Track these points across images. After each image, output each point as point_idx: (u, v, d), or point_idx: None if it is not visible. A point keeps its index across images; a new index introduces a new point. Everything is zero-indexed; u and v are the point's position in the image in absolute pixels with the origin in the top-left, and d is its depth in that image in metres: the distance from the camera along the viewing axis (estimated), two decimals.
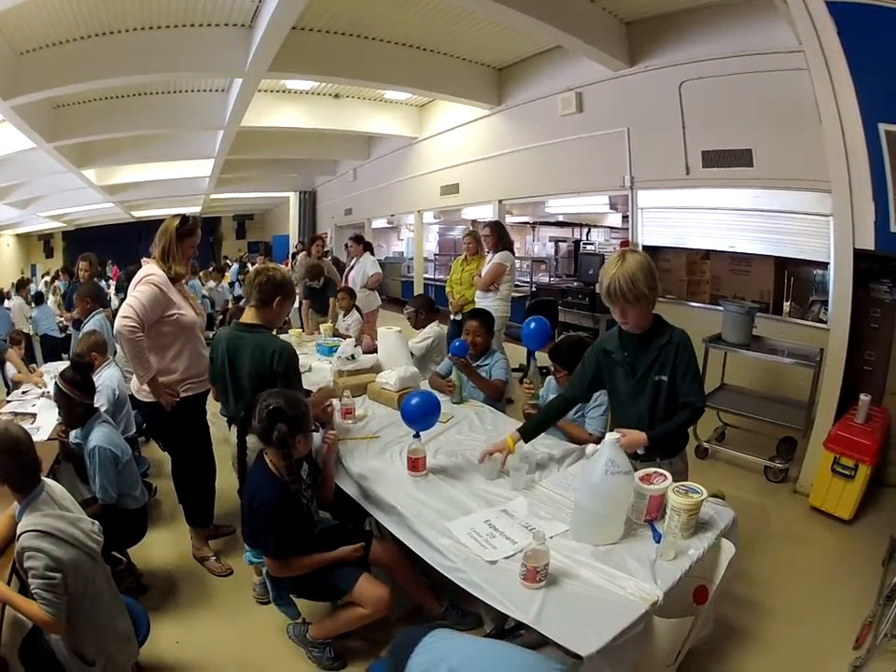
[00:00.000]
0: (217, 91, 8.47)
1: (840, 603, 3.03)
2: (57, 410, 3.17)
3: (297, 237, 16.37)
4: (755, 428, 4.80)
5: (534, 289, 9.80)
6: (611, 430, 2.64)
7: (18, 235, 20.96)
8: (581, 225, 11.41)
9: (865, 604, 2.90)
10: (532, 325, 3.55)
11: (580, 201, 8.97)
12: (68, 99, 7.75)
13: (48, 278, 17.15)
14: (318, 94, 9.39)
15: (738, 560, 2.12)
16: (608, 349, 2.56)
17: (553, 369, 3.33)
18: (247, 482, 2.54)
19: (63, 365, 4.37)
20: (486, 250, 5.93)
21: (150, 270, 3.11)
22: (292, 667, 2.66)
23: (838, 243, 4.05)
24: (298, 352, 4.06)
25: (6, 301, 9.55)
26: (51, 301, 9.85)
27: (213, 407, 3.38)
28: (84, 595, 1.98)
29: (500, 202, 8.99)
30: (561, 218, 11.32)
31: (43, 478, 2.13)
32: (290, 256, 14.27)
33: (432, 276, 12.80)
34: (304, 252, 10.41)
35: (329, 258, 10.88)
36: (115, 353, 4.50)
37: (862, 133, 3.58)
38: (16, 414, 3.90)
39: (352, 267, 7.53)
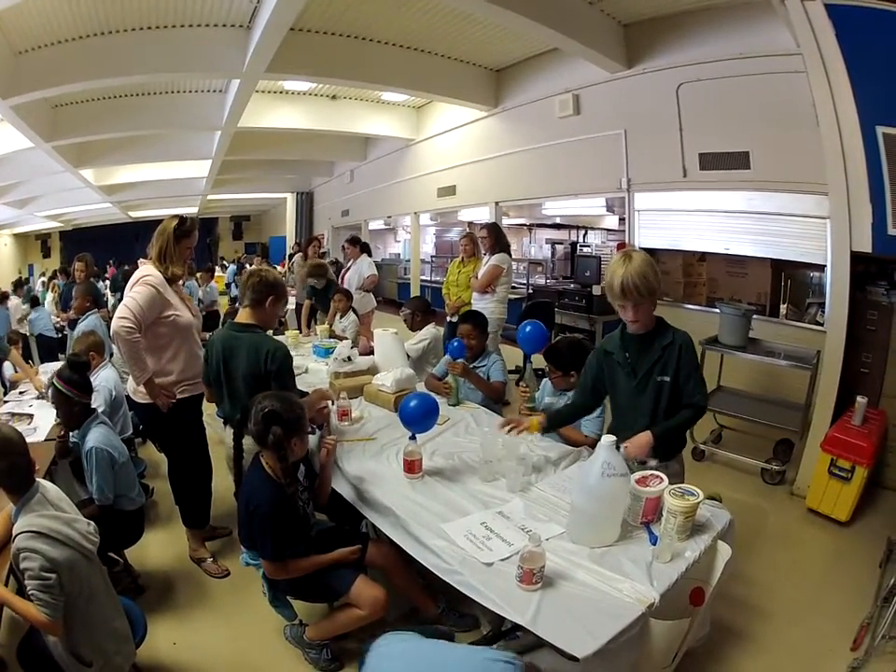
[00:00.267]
0: (214, 91, 8.48)
1: (837, 605, 3.03)
2: (55, 411, 3.16)
3: (294, 238, 16.37)
4: (752, 430, 4.80)
5: (530, 291, 9.80)
6: (610, 433, 2.68)
7: (15, 235, 20.97)
8: (577, 227, 11.41)
9: (863, 606, 2.90)
10: (528, 328, 3.54)
11: (576, 203, 8.96)
12: (66, 99, 7.76)
13: (44, 278, 17.10)
14: (316, 95, 9.41)
15: (735, 562, 2.12)
16: (608, 350, 2.58)
17: (548, 370, 3.33)
18: (244, 484, 2.54)
19: (59, 365, 4.36)
20: (483, 252, 5.93)
21: (147, 271, 3.11)
22: (289, 669, 2.65)
23: (835, 245, 4.05)
24: (294, 353, 4.08)
25: (6, 302, 9.52)
26: (50, 298, 9.81)
27: (209, 408, 3.38)
28: (80, 596, 1.98)
29: (497, 203, 9.01)
30: (558, 220, 11.32)
31: (38, 479, 2.12)
32: (287, 257, 14.27)
33: (429, 278, 12.79)
34: (300, 254, 10.42)
35: (328, 259, 10.91)
36: (111, 355, 4.50)
37: (860, 136, 3.59)
38: (13, 415, 3.88)
39: (348, 268, 7.53)
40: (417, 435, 2.73)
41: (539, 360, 3.42)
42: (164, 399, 3.10)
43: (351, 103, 9.69)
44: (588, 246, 10.94)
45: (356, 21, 6.50)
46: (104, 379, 3.78)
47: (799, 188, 5.00)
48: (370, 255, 7.80)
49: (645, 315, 2.38)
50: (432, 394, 3.17)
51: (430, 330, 4.63)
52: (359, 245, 7.61)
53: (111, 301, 9.36)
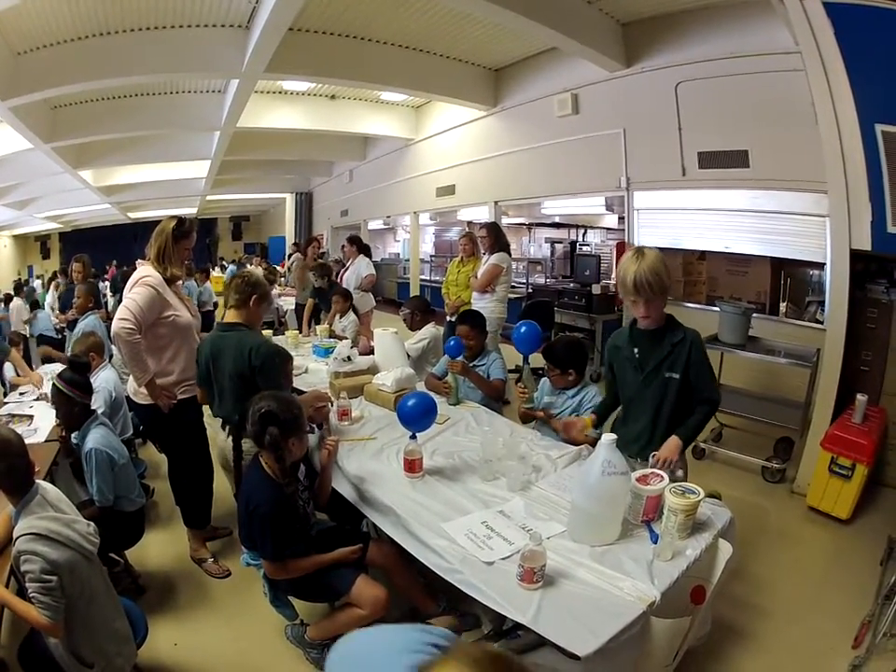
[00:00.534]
0: (213, 91, 8.49)
1: (838, 603, 3.03)
2: (55, 411, 3.16)
3: (293, 238, 16.35)
4: (752, 429, 4.80)
5: (530, 291, 9.79)
6: (616, 425, 2.72)
7: (15, 236, 20.95)
8: (577, 226, 11.41)
9: (863, 604, 2.90)
10: (523, 329, 3.53)
11: (576, 202, 8.97)
12: (66, 99, 7.76)
13: (44, 278, 17.10)
14: (315, 95, 9.41)
15: (736, 560, 2.12)
16: (617, 344, 2.64)
17: (546, 369, 3.33)
18: (243, 484, 2.54)
19: (60, 367, 4.36)
20: (483, 251, 5.93)
21: (146, 272, 3.11)
22: (290, 669, 2.65)
23: (835, 243, 4.05)
24: (294, 353, 4.09)
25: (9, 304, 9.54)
26: (51, 296, 9.83)
27: (209, 409, 3.38)
28: (81, 598, 1.97)
29: (496, 203, 9.01)
30: (557, 220, 11.31)
31: (37, 480, 2.12)
32: (287, 257, 14.26)
33: (428, 278, 12.79)
34: (298, 254, 10.41)
35: (331, 259, 10.90)
36: (111, 356, 4.49)
37: (859, 134, 3.59)
38: (13, 416, 3.88)
39: (347, 268, 7.53)
40: (417, 434, 2.74)
41: (537, 360, 3.41)
42: (165, 399, 3.10)
43: (350, 102, 9.69)
44: (587, 245, 10.94)
45: (354, 21, 6.50)
46: (103, 380, 3.78)
47: (798, 186, 5.01)
48: (368, 255, 7.80)
49: (656, 311, 2.43)
50: (431, 393, 3.18)
51: (430, 330, 4.63)
52: (358, 246, 7.62)
53: (111, 302, 9.36)
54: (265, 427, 2.32)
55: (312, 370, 4.56)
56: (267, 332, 4.97)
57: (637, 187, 6.54)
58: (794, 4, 3.39)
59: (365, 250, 7.74)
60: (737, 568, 2.39)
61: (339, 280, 7.32)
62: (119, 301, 3.16)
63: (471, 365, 3.75)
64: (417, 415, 2.76)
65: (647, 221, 6.57)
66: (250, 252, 23.71)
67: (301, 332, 6.14)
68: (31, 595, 1.87)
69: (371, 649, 1.35)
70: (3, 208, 13.89)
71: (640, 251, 2.38)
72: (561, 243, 11.30)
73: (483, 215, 9.54)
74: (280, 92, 9.18)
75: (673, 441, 2.40)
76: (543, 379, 3.43)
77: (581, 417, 2.76)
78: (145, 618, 2.42)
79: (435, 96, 8.69)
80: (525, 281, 10.53)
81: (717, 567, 2.07)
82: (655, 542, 2.04)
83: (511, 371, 4.24)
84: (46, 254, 23.42)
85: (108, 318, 4.90)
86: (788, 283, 5.79)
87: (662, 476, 2.16)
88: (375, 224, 14.72)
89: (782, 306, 5.80)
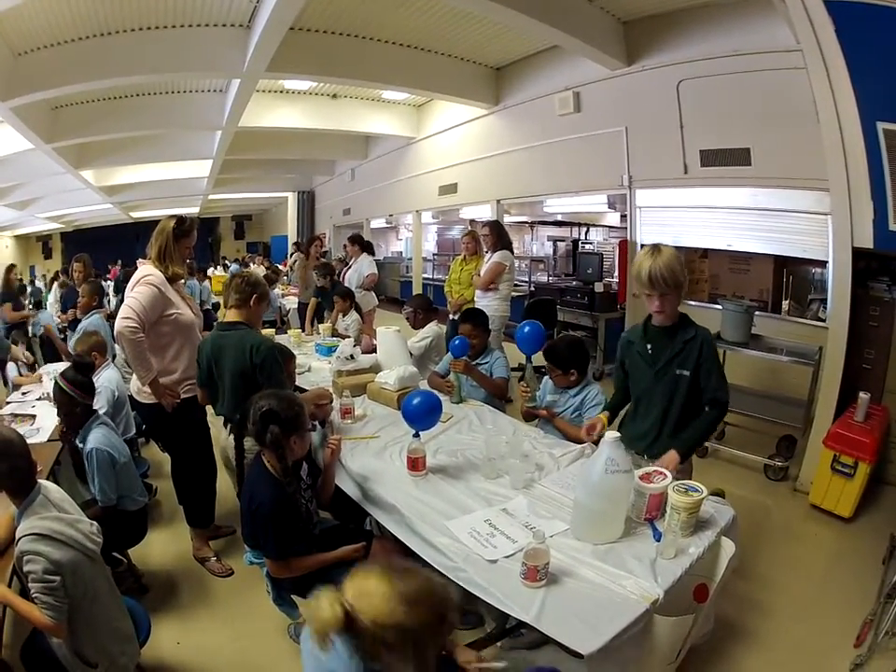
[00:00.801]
0: (214, 91, 8.48)
1: (840, 601, 3.03)
2: (56, 409, 3.16)
3: (295, 237, 16.35)
4: (755, 427, 4.79)
5: (532, 289, 9.79)
6: (625, 420, 2.76)
7: (16, 237, 20.96)
8: (579, 224, 11.42)
9: (865, 602, 2.90)
10: (526, 328, 3.53)
11: (578, 200, 8.98)
12: (66, 100, 7.75)
13: (46, 278, 17.10)
14: (316, 94, 9.39)
15: (738, 558, 2.12)
16: (631, 339, 2.68)
17: (547, 368, 3.33)
18: (246, 483, 2.54)
19: (63, 366, 4.37)
20: (485, 250, 5.93)
21: (147, 270, 3.12)
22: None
23: (837, 241, 4.05)
24: (297, 352, 4.10)
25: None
26: (52, 296, 9.83)
27: (212, 408, 3.38)
28: (84, 597, 1.98)
29: (498, 201, 8.99)
30: (559, 218, 11.32)
31: (40, 480, 2.13)
32: (289, 256, 14.27)
33: (431, 276, 12.81)
34: (299, 253, 10.42)
35: (334, 258, 10.91)
36: (114, 356, 4.50)
37: (861, 132, 3.59)
38: (16, 416, 3.89)
39: (349, 267, 7.54)
40: (421, 433, 2.74)
41: (540, 359, 3.42)
42: (169, 398, 3.11)
43: (351, 102, 9.67)
44: (590, 243, 10.95)
45: (356, 20, 6.49)
46: (106, 380, 3.78)
47: (800, 184, 4.99)
48: (371, 254, 7.81)
49: (670, 306, 2.46)
50: (434, 391, 3.18)
51: (433, 328, 4.64)
52: (360, 244, 7.63)
53: (113, 301, 9.36)
54: (266, 426, 2.32)
55: (315, 368, 4.56)
56: (270, 331, 4.99)
57: (640, 185, 6.53)
58: (795, 2, 3.39)
59: (367, 249, 7.76)
60: (740, 566, 2.38)
61: (341, 279, 7.33)
62: (122, 301, 3.16)
63: (474, 363, 3.76)
64: (422, 413, 2.77)
65: (649, 219, 6.55)
66: (253, 251, 23.74)
67: (303, 331, 6.15)
68: (34, 595, 1.88)
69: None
70: (4, 208, 13.90)
71: (657, 247, 2.42)
72: (563, 241, 11.31)
73: (485, 213, 9.52)
74: (281, 92, 9.16)
75: (670, 457, 2.40)
76: (545, 378, 3.43)
77: (599, 417, 2.76)
78: (148, 617, 2.42)
79: (436, 95, 8.67)
80: (527, 279, 10.56)
81: (720, 566, 2.07)
82: (658, 540, 2.04)
83: (513, 370, 4.24)
84: (48, 254, 23.44)
85: (110, 317, 4.91)
86: (790, 281, 5.78)
87: (665, 474, 2.16)
88: (378, 223, 14.73)
89: (784, 304, 5.79)
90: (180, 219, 3.24)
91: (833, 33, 3.37)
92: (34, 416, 3.88)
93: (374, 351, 4.39)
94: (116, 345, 4.05)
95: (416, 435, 2.71)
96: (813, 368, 4.27)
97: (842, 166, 3.77)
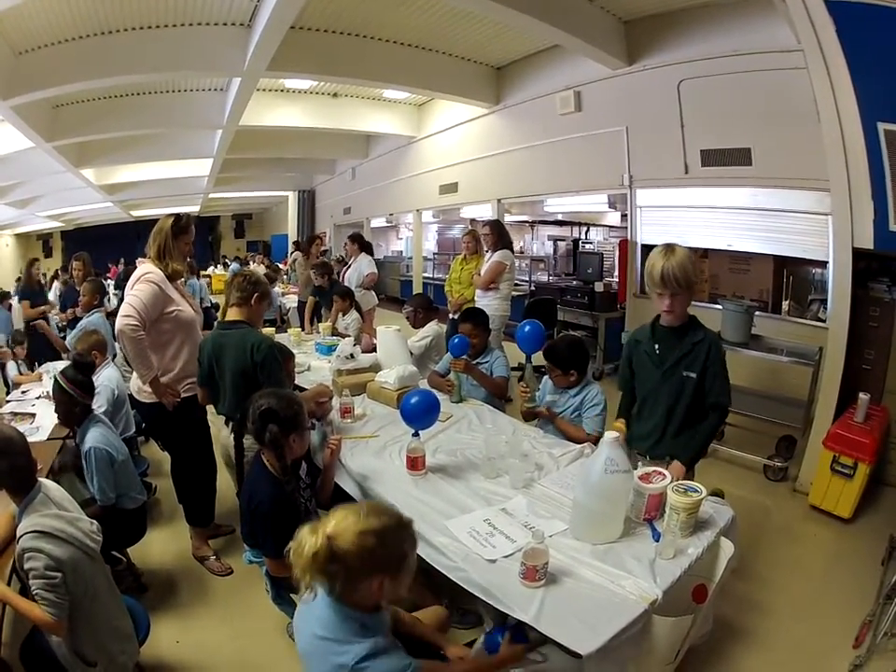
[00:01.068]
0: (215, 90, 8.47)
1: (839, 602, 3.03)
2: (55, 407, 3.16)
3: (296, 236, 16.34)
4: (754, 427, 4.79)
5: (533, 288, 9.77)
6: (630, 420, 2.75)
7: (17, 235, 20.93)
8: (579, 224, 11.41)
9: (865, 603, 2.90)
10: (526, 328, 3.53)
11: (578, 199, 8.96)
12: (67, 98, 7.74)
13: (46, 276, 17.06)
14: (317, 93, 9.39)
15: (737, 559, 2.13)
16: (638, 339, 2.68)
17: (547, 368, 3.33)
18: (245, 481, 2.54)
19: (62, 364, 4.37)
20: (486, 249, 5.93)
21: (147, 268, 3.13)
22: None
23: (837, 241, 4.05)
24: (297, 351, 4.10)
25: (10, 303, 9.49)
26: (53, 294, 9.81)
27: (212, 406, 3.38)
28: (84, 595, 1.98)
29: (499, 201, 8.98)
30: (560, 217, 11.31)
31: (40, 479, 2.13)
32: (289, 254, 14.27)
33: (431, 275, 12.80)
34: (298, 252, 10.41)
35: (335, 257, 10.90)
36: (115, 355, 4.50)
37: (861, 132, 3.58)
38: (15, 414, 3.89)
39: (349, 266, 7.54)
40: (420, 432, 2.74)
41: (540, 358, 3.41)
42: (170, 397, 3.11)
43: (352, 101, 9.66)
44: (590, 243, 10.94)
45: (356, 19, 6.49)
46: (106, 378, 3.78)
47: (801, 184, 4.98)
48: (371, 253, 7.80)
49: (680, 306, 2.47)
50: (435, 391, 3.18)
51: (433, 327, 4.64)
52: (359, 244, 7.62)
53: (114, 300, 9.36)
54: (265, 425, 2.33)
55: (314, 367, 4.57)
56: (270, 330, 4.99)
57: (640, 184, 6.52)
58: (796, 2, 3.38)
59: (367, 248, 7.75)
60: (739, 567, 2.39)
61: (341, 278, 7.33)
62: (122, 300, 3.16)
63: (474, 362, 3.76)
64: (420, 413, 2.77)
65: (650, 219, 6.55)
66: (253, 250, 23.70)
67: (303, 330, 6.15)
68: (35, 592, 1.88)
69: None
70: (5, 207, 13.88)
71: (670, 247, 2.43)
72: (564, 240, 11.29)
73: (485, 212, 9.51)
74: (282, 91, 9.16)
75: (675, 468, 2.43)
76: (545, 377, 3.43)
77: (619, 428, 2.76)
78: (147, 616, 2.42)
79: (437, 94, 8.68)
80: (527, 279, 10.54)
81: (719, 566, 2.07)
82: (657, 540, 2.04)
83: (513, 369, 4.24)
84: (48, 252, 23.37)
85: (110, 316, 4.91)
86: (790, 281, 5.77)
87: (664, 474, 2.16)
88: (378, 222, 14.69)
89: (784, 304, 5.78)
90: (177, 217, 3.26)
91: (833, 33, 3.37)
92: (33, 415, 3.89)
93: (374, 350, 4.40)
94: (116, 344, 4.05)
95: (416, 434, 2.71)
96: (813, 368, 4.27)
97: (842, 166, 3.77)
